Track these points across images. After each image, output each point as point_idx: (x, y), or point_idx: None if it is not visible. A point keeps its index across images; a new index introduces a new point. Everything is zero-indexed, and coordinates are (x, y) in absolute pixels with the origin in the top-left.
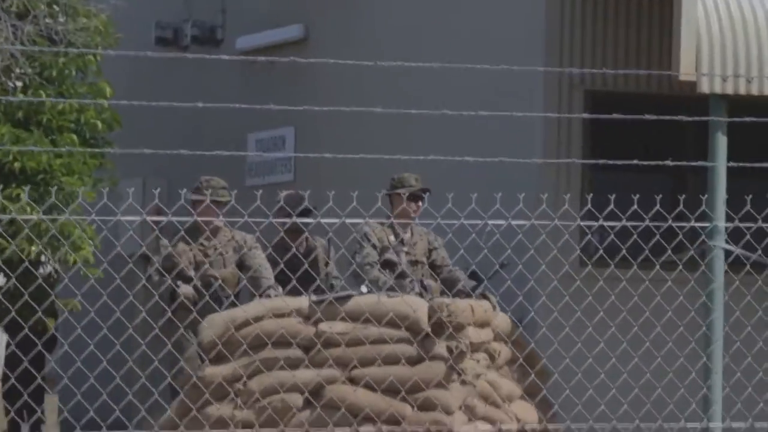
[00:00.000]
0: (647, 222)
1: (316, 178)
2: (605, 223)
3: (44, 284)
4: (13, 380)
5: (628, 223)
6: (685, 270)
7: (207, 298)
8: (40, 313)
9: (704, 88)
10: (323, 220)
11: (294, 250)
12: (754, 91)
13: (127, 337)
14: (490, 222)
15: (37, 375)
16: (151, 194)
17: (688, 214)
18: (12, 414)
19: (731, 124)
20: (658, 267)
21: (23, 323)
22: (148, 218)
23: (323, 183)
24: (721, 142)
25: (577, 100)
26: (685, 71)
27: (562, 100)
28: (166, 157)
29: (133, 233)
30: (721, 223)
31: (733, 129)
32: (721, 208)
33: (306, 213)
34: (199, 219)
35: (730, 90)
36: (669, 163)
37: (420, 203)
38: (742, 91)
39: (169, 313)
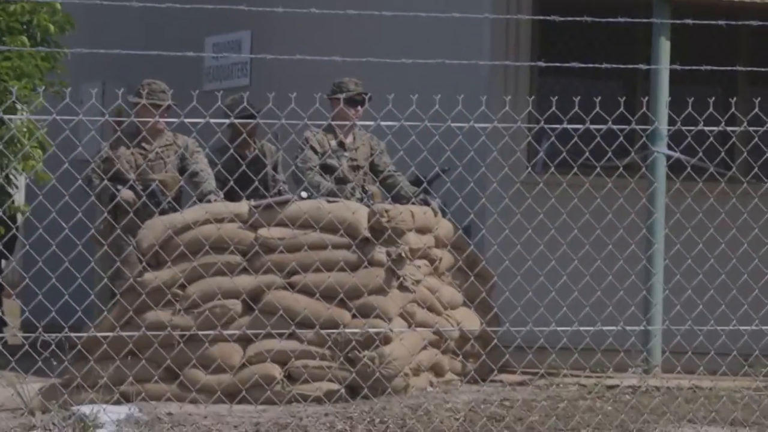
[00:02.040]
0: (587, 125)
1: (272, 83)
2: (545, 126)
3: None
4: None
5: (569, 126)
6: (627, 175)
7: (146, 201)
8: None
9: None
10: (262, 121)
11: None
12: None
13: (68, 240)
14: (430, 124)
15: None
16: (111, 96)
17: (629, 116)
18: None
19: (676, 30)
20: (598, 170)
21: None
22: (85, 118)
23: (279, 87)
24: (664, 45)
25: (525, 3)
26: None
27: (511, 3)
28: (125, 61)
29: (69, 134)
30: (663, 126)
31: (677, 34)
32: (663, 111)
33: (249, 117)
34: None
35: None
36: (608, 66)
37: (359, 107)
38: None
39: (106, 215)
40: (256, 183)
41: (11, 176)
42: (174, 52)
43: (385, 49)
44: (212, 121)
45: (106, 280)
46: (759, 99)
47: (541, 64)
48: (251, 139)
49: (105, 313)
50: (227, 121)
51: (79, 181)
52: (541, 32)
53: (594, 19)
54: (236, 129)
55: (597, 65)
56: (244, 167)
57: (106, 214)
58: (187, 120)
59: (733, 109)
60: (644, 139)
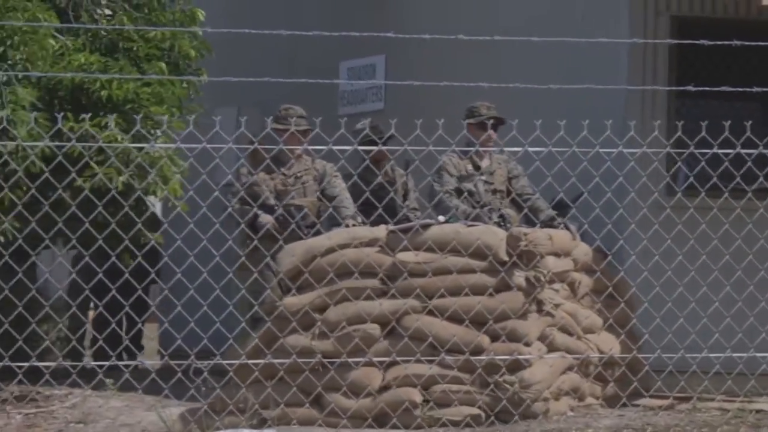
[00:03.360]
0: (738, 149)
1: (407, 107)
2: (695, 151)
3: (130, 213)
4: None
5: (719, 151)
6: None
7: (297, 223)
8: (153, 240)
9: None
10: (409, 148)
11: (380, 178)
12: None
13: (214, 267)
14: (577, 150)
15: (147, 298)
16: (247, 121)
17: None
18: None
19: None
20: (750, 195)
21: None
22: (234, 146)
23: (413, 111)
24: None
25: (662, 25)
26: None
27: (648, 26)
28: (260, 86)
29: (220, 162)
30: None
31: None
32: None
33: (389, 141)
34: (283, 147)
35: None
36: (756, 89)
37: (492, 132)
38: None
39: (255, 241)
40: (395, 209)
41: (150, 203)
42: (309, 79)
43: (519, 75)
44: (359, 147)
45: (255, 305)
46: None
47: (690, 88)
48: (380, 164)
49: (254, 338)
50: (374, 148)
51: (230, 209)
52: (678, 54)
53: (743, 42)
54: (374, 154)
55: (746, 89)
56: (391, 194)
57: (255, 240)
58: (331, 147)
59: None
60: None
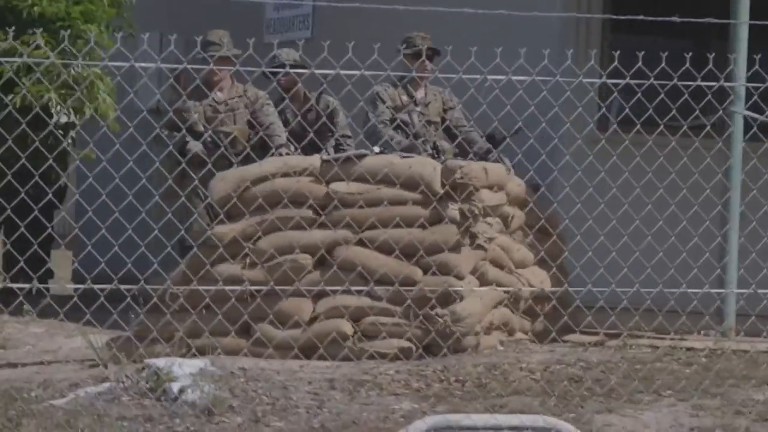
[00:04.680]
0: (675, 80)
1: (335, 36)
2: (631, 81)
3: (55, 131)
4: (23, 229)
5: (656, 81)
6: (713, 133)
7: (221, 152)
8: (51, 161)
9: None
10: (342, 72)
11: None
12: None
13: (139, 191)
14: (514, 78)
15: (48, 225)
16: (168, 45)
17: (717, 72)
18: (21, 265)
19: None
20: (685, 128)
21: (34, 170)
22: (163, 66)
23: (342, 41)
24: (744, 2)
25: None
26: None
27: None
28: (183, 12)
29: (149, 83)
30: (743, 84)
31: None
32: (742, 68)
33: (297, 68)
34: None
35: None
36: (690, 20)
37: (427, 62)
38: None
39: (183, 164)
40: (326, 137)
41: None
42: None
43: (455, 3)
44: (267, 70)
45: (182, 231)
46: None
47: (625, 17)
48: (291, 92)
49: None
50: (283, 70)
51: (157, 130)
52: None
53: None
54: (284, 85)
55: (680, 19)
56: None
57: (183, 164)
58: (242, 69)
59: None
60: (731, 98)
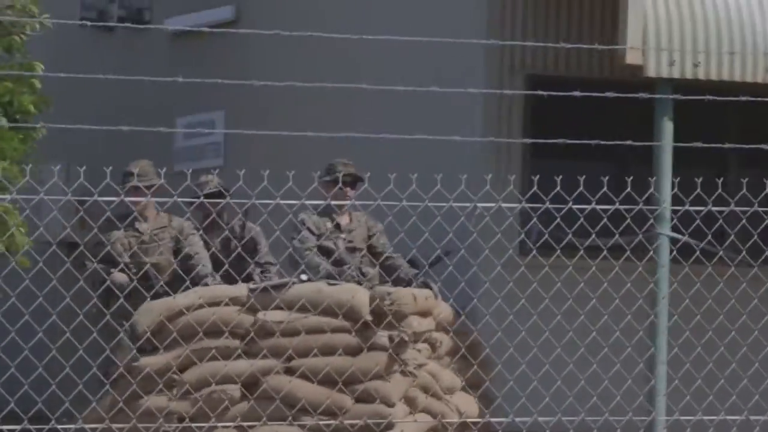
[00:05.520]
0: (593, 204)
1: (248, 164)
2: (551, 206)
3: None
4: None
5: (575, 206)
6: (633, 257)
7: (138, 285)
8: None
9: (651, 71)
10: (257, 201)
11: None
12: (701, 76)
13: (55, 326)
14: (431, 204)
15: None
16: (75, 178)
17: (636, 196)
18: None
19: (677, 115)
20: (605, 252)
21: None
22: (72, 198)
23: (255, 169)
24: (668, 126)
25: (517, 83)
26: (632, 54)
27: (503, 84)
28: (88, 142)
29: (58, 215)
30: (668, 207)
31: (677, 117)
32: (667, 191)
33: (217, 195)
34: (128, 201)
35: (677, 74)
36: (615, 143)
37: (349, 189)
38: (689, 75)
39: (95, 299)
40: (250, 264)
41: None
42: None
43: (374, 128)
44: (180, 200)
45: (95, 369)
46: (747, 179)
47: (546, 140)
48: (218, 219)
49: (94, 403)
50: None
51: (67, 267)
52: (532, 113)
53: (587, 94)
54: (205, 211)
55: (604, 142)
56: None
57: (95, 299)
58: (156, 200)
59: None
60: (651, 220)
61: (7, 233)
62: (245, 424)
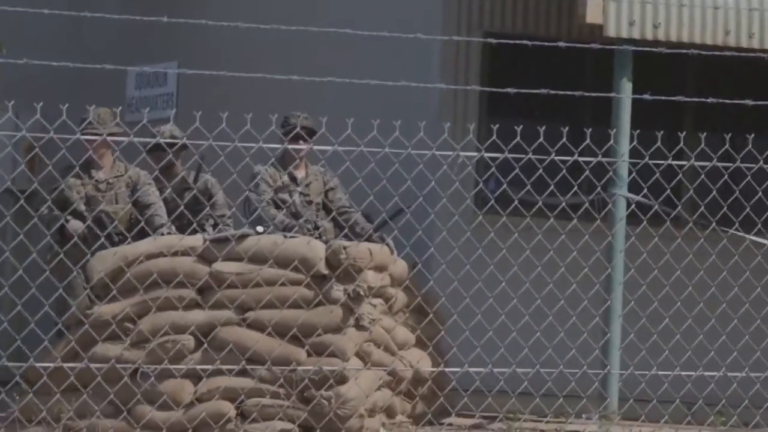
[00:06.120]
0: (553, 155)
1: (203, 121)
2: (510, 156)
3: None
4: None
5: (534, 156)
6: (592, 211)
7: (95, 231)
8: None
9: (611, 31)
10: (214, 143)
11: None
12: (661, 37)
13: (6, 264)
14: (389, 150)
15: None
16: (25, 122)
17: (595, 149)
18: None
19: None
20: (564, 204)
21: None
22: (27, 135)
23: (210, 125)
24: (627, 87)
25: (474, 48)
26: (592, 12)
27: (460, 47)
28: (39, 90)
29: (13, 151)
30: (626, 161)
31: (636, 81)
32: (625, 146)
33: (171, 145)
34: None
35: (636, 34)
36: (575, 93)
37: (302, 142)
38: (649, 36)
39: (50, 241)
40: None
41: None
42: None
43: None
44: (137, 140)
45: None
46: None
47: (503, 89)
48: (171, 170)
49: (46, 343)
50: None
51: (37, 215)
52: (489, 71)
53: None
54: (159, 161)
55: (565, 92)
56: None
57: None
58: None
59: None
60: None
61: None
62: (199, 367)
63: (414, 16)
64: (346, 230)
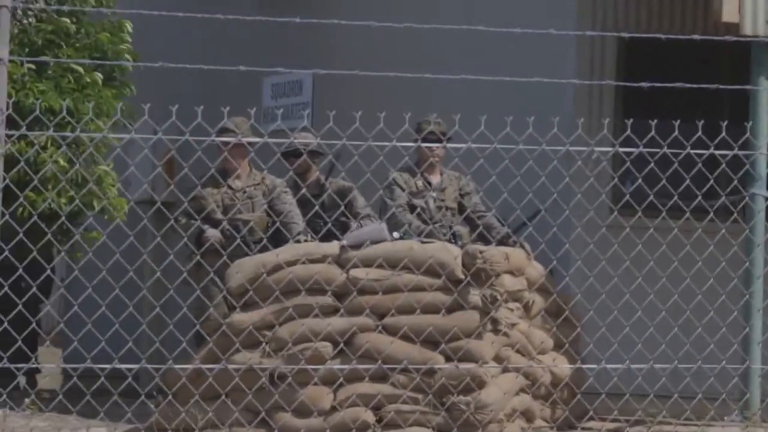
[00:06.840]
0: (688, 149)
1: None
2: (644, 150)
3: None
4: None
5: (669, 151)
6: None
7: (239, 239)
8: (63, 252)
9: (747, 29)
10: (348, 142)
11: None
12: None
13: (131, 284)
14: (523, 147)
15: (31, 320)
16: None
17: (732, 141)
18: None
19: None
20: (699, 198)
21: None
22: (164, 137)
23: (343, 127)
24: (764, 84)
25: (609, 45)
26: (728, 11)
27: (595, 43)
28: (175, 102)
29: (135, 172)
30: (764, 153)
31: None
32: (763, 138)
33: (307, 153)
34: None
35: None
36: (710, 86)
37: (437, 147)
38: None
39: (196, 255)
40: (344, 223)
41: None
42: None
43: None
44: (271, 140)
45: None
46: None
47: (640, 84)
48: (304, 176)
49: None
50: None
51: (171, 221)
52: (624, 72)
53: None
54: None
55: (699, 85)
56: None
57: (198, 255)
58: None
59: None
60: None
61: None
62: (339, 374)
63: (547, 11)
64: (480, 231)
